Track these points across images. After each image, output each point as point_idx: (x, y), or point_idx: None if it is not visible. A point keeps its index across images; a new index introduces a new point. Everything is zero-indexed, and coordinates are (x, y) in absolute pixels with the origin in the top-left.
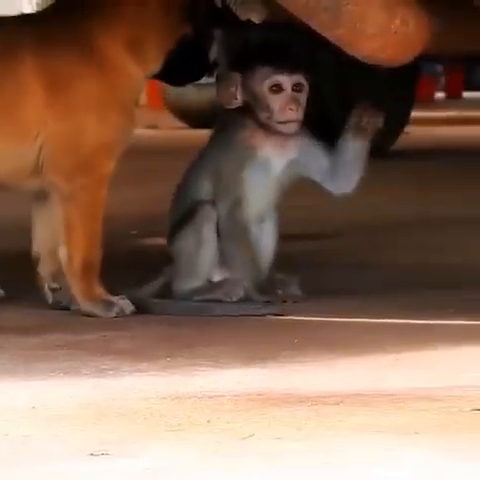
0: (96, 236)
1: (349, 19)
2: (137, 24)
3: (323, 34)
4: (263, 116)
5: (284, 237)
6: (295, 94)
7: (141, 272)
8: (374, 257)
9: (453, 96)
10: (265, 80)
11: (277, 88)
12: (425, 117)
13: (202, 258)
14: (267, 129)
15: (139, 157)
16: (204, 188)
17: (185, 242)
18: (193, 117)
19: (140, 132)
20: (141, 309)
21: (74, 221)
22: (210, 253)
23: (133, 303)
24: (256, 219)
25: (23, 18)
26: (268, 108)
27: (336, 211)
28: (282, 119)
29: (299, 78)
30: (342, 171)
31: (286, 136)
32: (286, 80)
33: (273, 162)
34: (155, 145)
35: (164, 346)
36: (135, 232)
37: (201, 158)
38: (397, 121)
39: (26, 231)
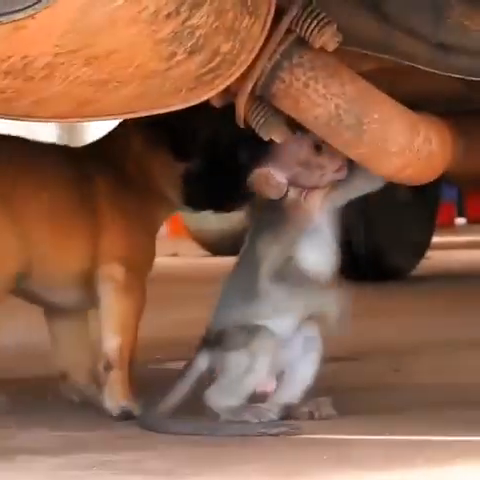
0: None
1: (371, 138)
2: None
3: (345, 153)
4: (315, 177)
5: None
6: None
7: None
8: (395, 379)
9: (474, 221)
10: (305, 145)
11: (317, 147)
12: (446, 242)
13: (248, 384)
14: (308, 196)
15: (159, 285)
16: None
17: (236, 363)
18: (215, 244)
19: (161, 260)
20: (156, 429)
21: (129, 312)
22: (257, 381)
23: (150, 423)
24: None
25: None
26: (320, 166)
27: (356, 334)
28: (336, 167)
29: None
30: None
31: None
32: (315, 139)
33: (323, 226)
34: (176, 273)
35: (193, 465)
36: (159, 356)
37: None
38: (418, 246)
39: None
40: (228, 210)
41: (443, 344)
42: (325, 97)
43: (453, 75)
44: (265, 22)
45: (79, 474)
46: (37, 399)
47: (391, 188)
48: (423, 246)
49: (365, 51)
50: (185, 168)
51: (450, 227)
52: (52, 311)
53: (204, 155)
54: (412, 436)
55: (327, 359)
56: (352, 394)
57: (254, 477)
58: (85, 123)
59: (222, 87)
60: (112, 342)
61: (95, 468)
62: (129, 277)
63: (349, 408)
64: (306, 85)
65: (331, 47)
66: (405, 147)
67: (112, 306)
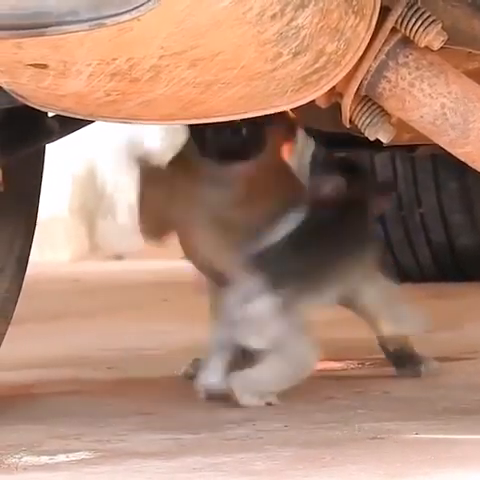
0: None
1: (477, 136)
2: None
3: (450, 151)
4: None
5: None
6: None
7: None
8: None
9: None
10: None
11: None
12: None
13: None
14: None
15: None
16: None
17: None
18: None
19: None
20: None
21: None
22: None
23: None
24: None
25: None
26: None
27: (466, 333)
28: None
29: None
30: None
31: None
32: None
33: None
34: None
35: (301, 467)
36: None
37: None
38: None
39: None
40: None
41: None
42: (431, 96)
43: None
44: (370, 22)
45: (188, 476)
46: (145, 402)
47: None
48: None
49: (470, 50)
50: None
51: None
52: None
53: None
54: None
55: (437, 358)
56: (460, 393)
57: (362, 478)
58: None
59: (328, 88)
60: None
61: (203, 470)
62: None
63: (457, 407)
64: (412, 85)
65: (436, 46)
66: None
67: None
